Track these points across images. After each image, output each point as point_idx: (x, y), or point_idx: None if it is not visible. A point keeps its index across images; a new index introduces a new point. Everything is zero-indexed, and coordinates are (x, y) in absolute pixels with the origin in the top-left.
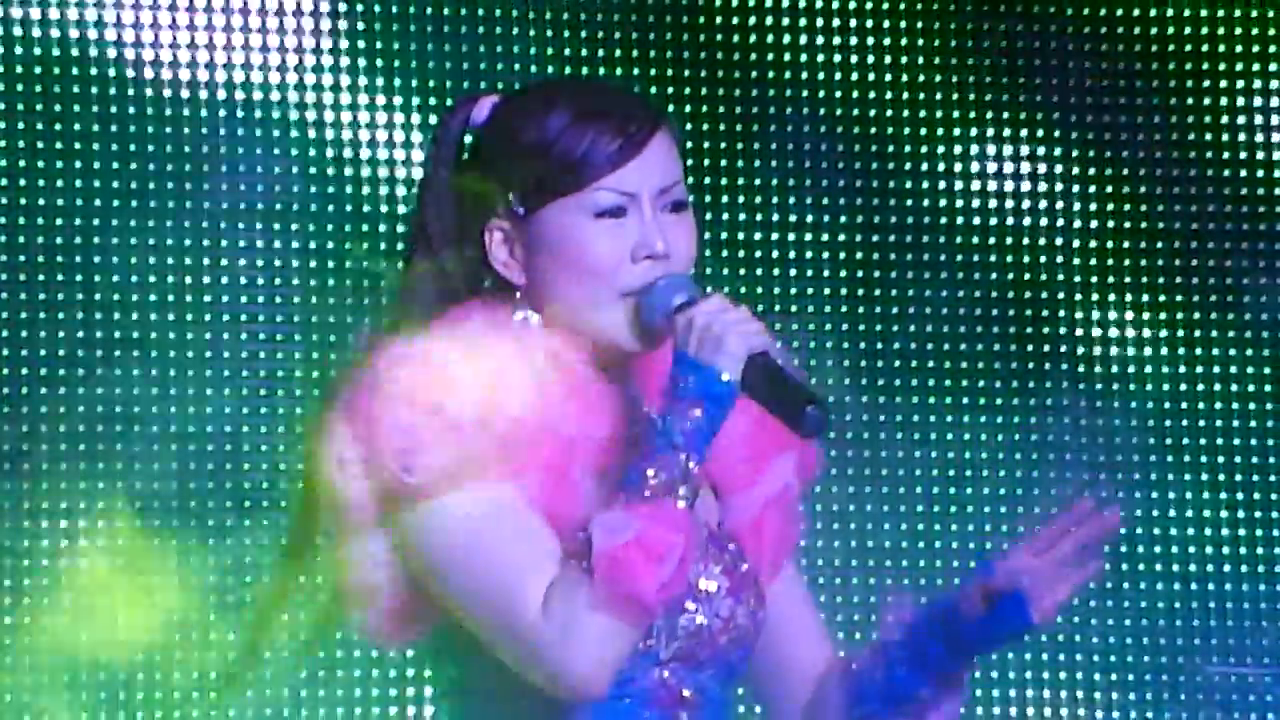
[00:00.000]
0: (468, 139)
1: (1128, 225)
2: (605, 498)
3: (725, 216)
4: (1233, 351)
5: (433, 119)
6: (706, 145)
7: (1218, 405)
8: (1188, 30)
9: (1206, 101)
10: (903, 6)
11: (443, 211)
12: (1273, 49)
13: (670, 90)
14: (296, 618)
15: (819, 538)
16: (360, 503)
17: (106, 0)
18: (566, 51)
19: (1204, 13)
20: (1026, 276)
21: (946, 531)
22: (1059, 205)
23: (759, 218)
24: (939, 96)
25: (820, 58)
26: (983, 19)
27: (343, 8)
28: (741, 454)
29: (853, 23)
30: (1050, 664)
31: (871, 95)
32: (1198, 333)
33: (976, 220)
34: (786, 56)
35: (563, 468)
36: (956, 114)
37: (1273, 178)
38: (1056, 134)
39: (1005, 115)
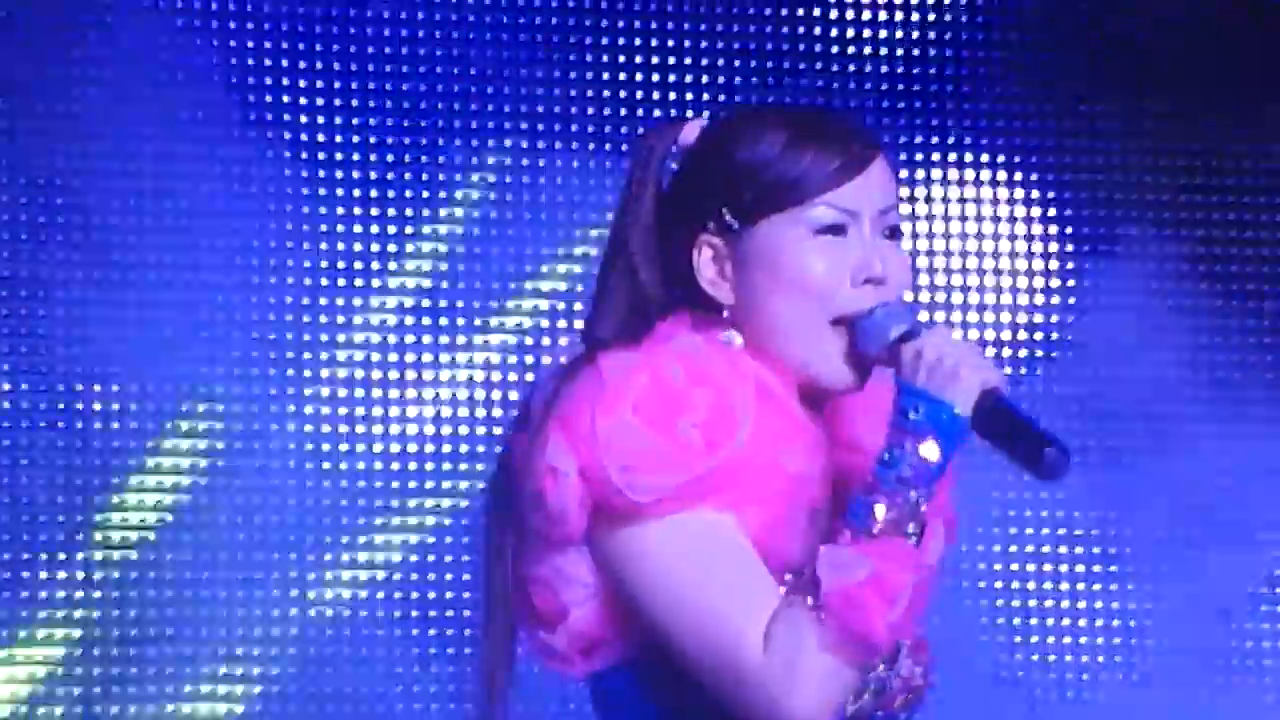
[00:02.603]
0: (672, 162)
1: None
2: (814, 538)
3: None
4: None
5: None
6: None
7: None
8: None
9: None
10: None
11: (646, 230)
12: None
13: None
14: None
15: None
16: (568, 516)
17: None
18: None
19: None
20: None
21: None
22: None
23: None
24: None
25: None
26: None
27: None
28: None
29: None
30: None
31: None
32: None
33: None
34: None
35: (780, 504)
36: None
37: None
38: None
39: None
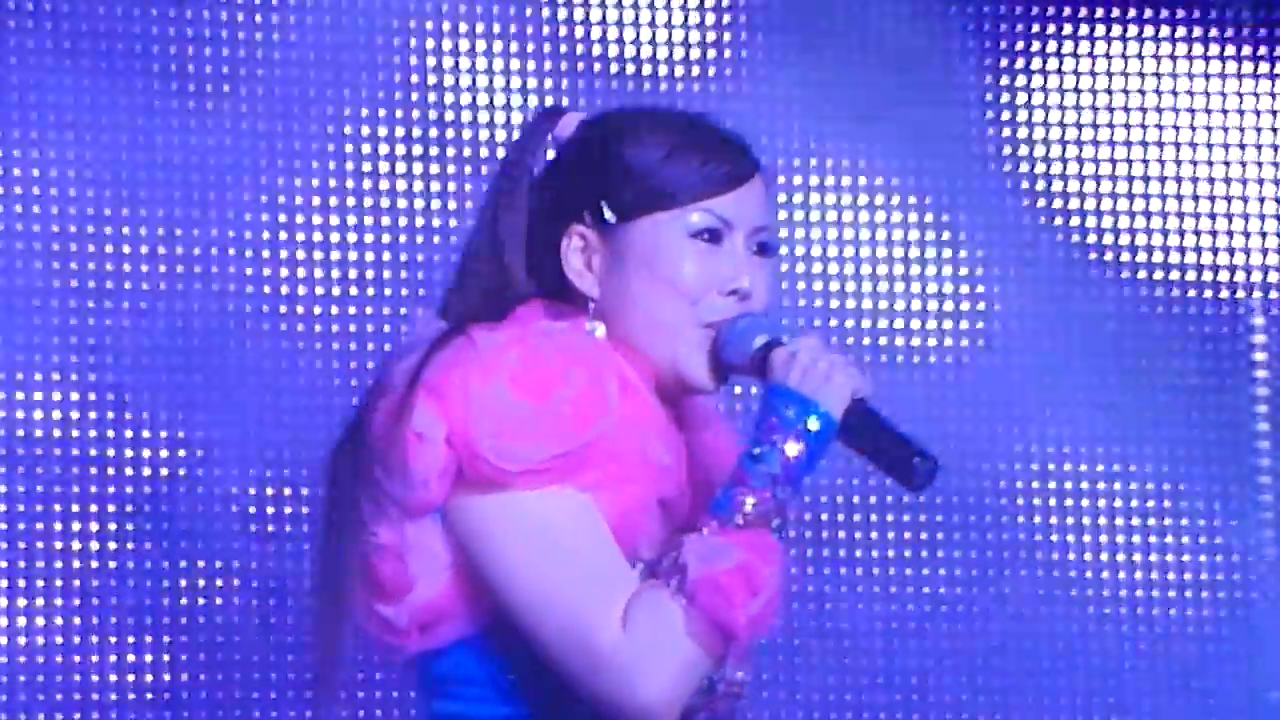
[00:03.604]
0: (550, 151)
1: None
2: (663, 532)
3: None
4: None
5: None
6: None
7: None
8: None
9: None
10: None
11: (517, 216)
12: None
13: None
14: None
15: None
16: (429, 483)
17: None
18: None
19: None
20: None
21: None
22: None
23: None
24: None
25: None
26: None
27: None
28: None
29: None
30: None
31: None
32: None
33: None
34: None
35: (640, 491)
36: None
37: None
38: None
39: None
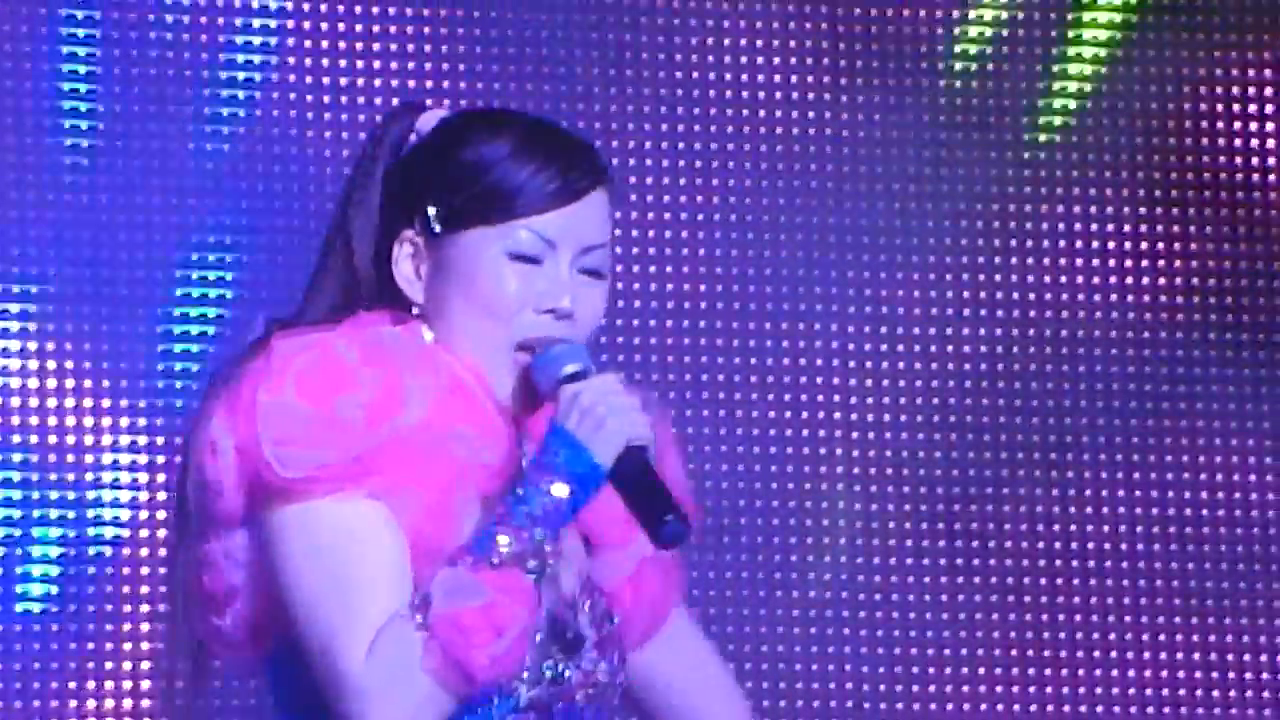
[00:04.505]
0: (404, 147)
1: None
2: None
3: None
4: None
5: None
6: None
7: None
8: None
9: None
10: None
11: (367, 215)
12: None
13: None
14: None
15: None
16: (225, 493)
17: None
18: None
19: None
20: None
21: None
22: None
23: None
24: None
25: None
26: None
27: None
28: (616, 509)
29: None
30: None
31: None
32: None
33: None
34: None
35: (448, 493)
36: None
37: None
38: None
39: None
